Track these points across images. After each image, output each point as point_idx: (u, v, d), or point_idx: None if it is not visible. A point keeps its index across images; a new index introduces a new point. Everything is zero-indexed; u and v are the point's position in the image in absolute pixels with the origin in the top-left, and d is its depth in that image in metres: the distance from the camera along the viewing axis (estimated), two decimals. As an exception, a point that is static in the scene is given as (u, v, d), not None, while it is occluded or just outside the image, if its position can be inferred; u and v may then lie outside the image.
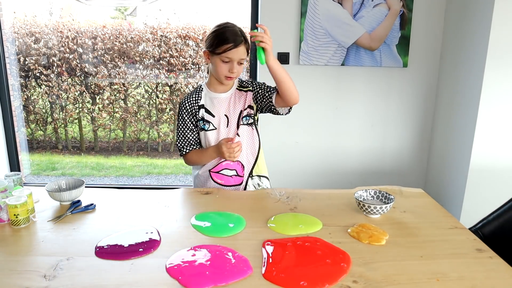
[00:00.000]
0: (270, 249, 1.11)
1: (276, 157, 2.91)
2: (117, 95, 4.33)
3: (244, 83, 1.71)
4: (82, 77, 4.19)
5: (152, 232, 1.20)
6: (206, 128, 1.64)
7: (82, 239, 1.17)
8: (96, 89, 4.28)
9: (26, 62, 4.03)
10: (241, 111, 1.65)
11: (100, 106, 4.35)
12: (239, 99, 1.66)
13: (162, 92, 4.37)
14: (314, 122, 2.89)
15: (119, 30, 4.13)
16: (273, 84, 1.59)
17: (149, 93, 4.38)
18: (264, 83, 1.68)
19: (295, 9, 2.68)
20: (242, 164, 1.65)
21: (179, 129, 1.67)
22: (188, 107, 1.64)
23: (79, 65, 4.10)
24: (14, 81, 3.85)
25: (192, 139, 1.66)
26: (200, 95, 1.66)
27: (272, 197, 1.50)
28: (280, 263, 1.04)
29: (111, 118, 4.44)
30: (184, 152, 1.67)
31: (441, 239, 1.19)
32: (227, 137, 1.62)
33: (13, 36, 3.91)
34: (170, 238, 1.18)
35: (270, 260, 1.05)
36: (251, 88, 1.67)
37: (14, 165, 3.18)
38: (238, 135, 1.64)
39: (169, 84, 4.31)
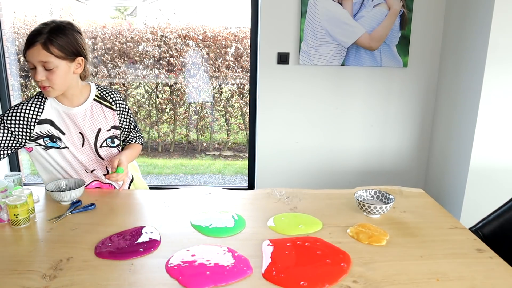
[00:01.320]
0: (270, 249, 1.11)
1: (276, 157, 2.91)
2: (117, 95, 4.33)
3: (106, 95, 1.49)
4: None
5: (152, 232, 1.20)
6: (59, 146, 1.46)
7: (82, 239, 1.17)
8: (96, 89, 4.28)
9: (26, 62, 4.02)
10: (99, 130, 1.48)
11: (100, 106, 4.35)
12: (98, 114, 1.47)
13: (162, 92, 4.37)
14: (314, 122, 2.90)
15: (119, 30, 4.12)
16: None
17: (149, 93, 4.37)
18: (130, 123, 1.59)
19: (295, 9, 2.68)
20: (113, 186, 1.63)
21: None
22: (23, 116, 1.38)
23: (79, 65, 4.10)
24: (14, 81, 3.84)
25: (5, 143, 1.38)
26: (42, 106, 1.42)
27: (272, 197, 1.50)
28: (280, 263, 1.03)
29: (111, 118, 4.44)
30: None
31: (441, 239, 1.19)
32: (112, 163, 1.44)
33: (13, 36, 3.91)
34: (170, 238, 1.18)
35: (270, 260, 1.05)
36: (115, 108, 1.49)
37: (14, 165, 3.18)
38: (101, 158, 1.53)
39: (169, 84, 4.31)
